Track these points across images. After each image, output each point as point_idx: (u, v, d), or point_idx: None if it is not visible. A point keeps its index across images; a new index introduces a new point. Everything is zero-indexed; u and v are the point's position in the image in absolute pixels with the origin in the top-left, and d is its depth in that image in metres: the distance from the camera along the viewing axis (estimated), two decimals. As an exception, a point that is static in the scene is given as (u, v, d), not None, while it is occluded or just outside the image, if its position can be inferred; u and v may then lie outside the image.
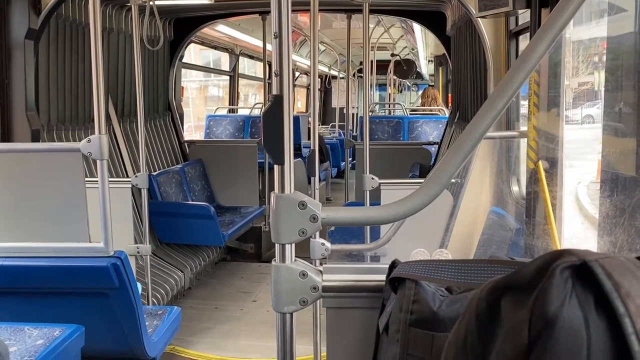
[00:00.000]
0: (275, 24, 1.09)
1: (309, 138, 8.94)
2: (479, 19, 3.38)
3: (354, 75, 12.60)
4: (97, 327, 2.33)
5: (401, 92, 16.37)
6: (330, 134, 11.15)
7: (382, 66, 11.43)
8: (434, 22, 5.53)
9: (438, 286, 0.98)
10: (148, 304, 3.63)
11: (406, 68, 10.63)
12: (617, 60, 1.77)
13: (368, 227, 3.35)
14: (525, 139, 2.75)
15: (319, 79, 13.51)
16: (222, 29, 7.40)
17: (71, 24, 4.05)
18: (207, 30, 6.92)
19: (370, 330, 1.13)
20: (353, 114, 10.05)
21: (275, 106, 1.11)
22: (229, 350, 3.73)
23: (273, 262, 1.15)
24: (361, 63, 13.58)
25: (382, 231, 3.01)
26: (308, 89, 13.26)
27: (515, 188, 3.19)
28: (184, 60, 6.33)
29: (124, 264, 2.28)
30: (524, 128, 2.91)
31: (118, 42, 4.71)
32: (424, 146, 6.25)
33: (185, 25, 5.69)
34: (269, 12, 1.11)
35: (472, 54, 4.17)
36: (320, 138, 9.00)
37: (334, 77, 13.49)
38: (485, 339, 0.65)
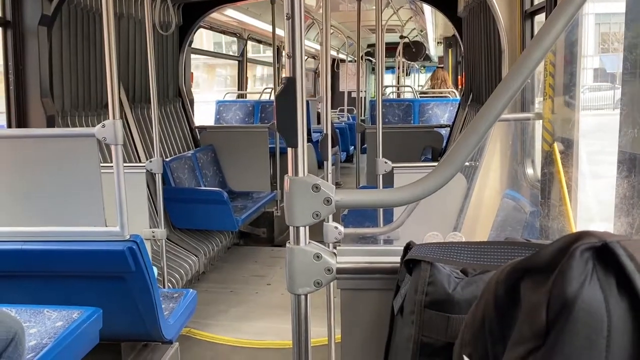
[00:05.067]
0: (287, 4, 1.08)
1: (318, 122, 8.91)
2: (493, -1, 3.32)
3: (361, 58, 12.50)
4: (114, 310, 2.36)
5: (409, 74, 16.15)
6: (338, 118, 11.06)
7: (391, 48, 11.29)
8: (444, 2, 5.46)
9: (453, 268, 0.98)
10: (164, 288, 3.67)
11: (415, 50, 10.46)
12: (637, 38, 1.73)
13: (381, 210, 3.35)
14: (541, 121, 2.72)
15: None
16: (230, 14, 7.36)
17: (82, 10, 4.06)
18: (214, 15, 6.90)
19: (384, 312, 1.13)
20: (362, 97, 9.99)
21: (288, 88, 1.10)
22: (245, 333, 3.77)
23: (287, 245, 1.16)
24: (369, 46, 13.39)
25: (395, 215, 3.01)
26: (315, 72, 13.10)
27: (529, 170, 3.16)
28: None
29: (140, 248, 2.30)
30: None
31: (128, 27, 4.71)
32: (435, 129, 6.19)
33: (194, 11, 5.66)
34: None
35: (486, 35, 4.11)
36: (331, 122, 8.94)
37: (342, 61, 13.32)
38: (504, 321, 0.65)
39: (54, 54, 3.81)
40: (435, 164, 3.23)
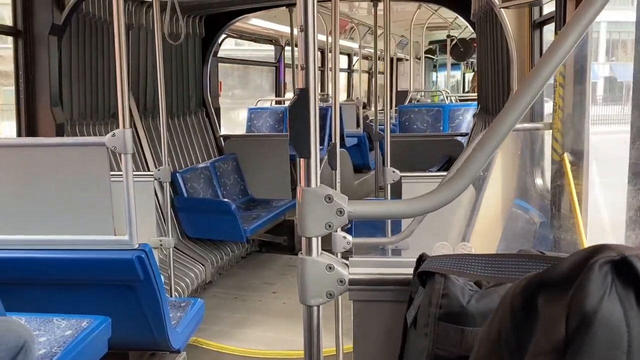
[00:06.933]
0: (301, 17, 1.09)
1: (357, 126, 8.80)
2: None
3: (418, 57, 12.23)
4: (122, 319, 2.36)
5: (474, 71, 15.94)
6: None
7: (443, 46, 11.02)
8: (461, 4, 5.38)
9: (467, 280, 0.97)
10: (171, 296, 3.68)
11: (463, 49, 10.05)
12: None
13: (389, 220, 3.34)
14: (550, 132, 2.71)
15: (382, 62, 13.06)
16: (258, 22, 7.37)
17: (90, 20, 4.09)
18: (241, 25, 6.94)
19: (396, 323, 1.13)
20: (418, 100, 9.84)
21: (301, 100, 1.11)
22: (237, 340, 3.75)
23: (299, 255, 1.16)
24: (430, 43, 13.22)
25: (403, 224, 3.00)
26: (369, 73, 12.79)
27: (539, 181, 3.15)
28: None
29: (149, 257, 2.31)
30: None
31: (139, 38, 4.75)
32: (456, 137, 5.98)
33: (217, 21, 5.71)
34: (294, 4, 1.11)
35: (495, 44, 4.11)
36: (369, 125, 8.83)
37: (400, 60, 12.96)
38: (521, 334, 0.65)
39: (64, 63, 3.84)
40: (444, 173, 3.23)
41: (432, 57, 14.20)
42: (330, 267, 1.14)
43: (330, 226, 1.12)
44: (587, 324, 0.56)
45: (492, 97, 4.41)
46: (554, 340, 0.58)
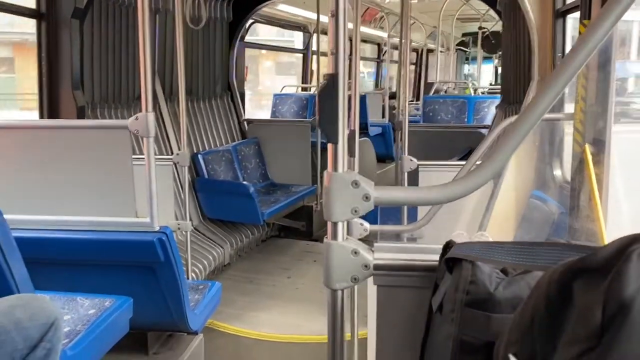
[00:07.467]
0: (333, 1, 1.09)
1: (383, 116, 8.71)
2: (524, -3, 3.29)
3: (447, 49, 11.99)
4: (143, 300, 2.40)
5: None
6: (415, 110, 10.82)
7: (476, 39, 10.95)
8: None
9: (493, 268, 0.98)
10: (188, 279, 3.72)
11: (495, 42, 9.80)
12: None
13: (405, 208, 3.34)
14: (571, 122, 2.69)
15: (414, 53, 12.99)
16: (286, 9, 7.37)
17: (114, 3, 4.11)
18: (269, 10, 6.92)
19: (420, 309, 1.14)
20: (445, 92, 9.81)
21: (331, 85, 1.11)
22: (248, 323, 3.78)
23: (325, 240, 1.17)
24: (463, 35, 13.05)
25: (419, 213, 3.00)
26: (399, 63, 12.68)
27: (557, 172, 3.13)
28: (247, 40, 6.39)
29: (169, 239, 2.34)
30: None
31: (166, 22, 4.76)
32: (478, 129, 5.90)
33: (245, 6, 5.73)
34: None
35: (517, 33, 4.06)
36: (395, 116, 8.81)
37: (430, 51, 12.85)
38: (555, 321, 0.65)
39: (85, 46, 3.86)
40: (462, 162, 3.21)
41: (465, 49, 14.02)
42: (355, 252, 1.15)
43: (356, 211, 1.13)
44: (624, 311, 0.56)
45: (514, 87, 4.37)
46: (589, 327, 0.59)
